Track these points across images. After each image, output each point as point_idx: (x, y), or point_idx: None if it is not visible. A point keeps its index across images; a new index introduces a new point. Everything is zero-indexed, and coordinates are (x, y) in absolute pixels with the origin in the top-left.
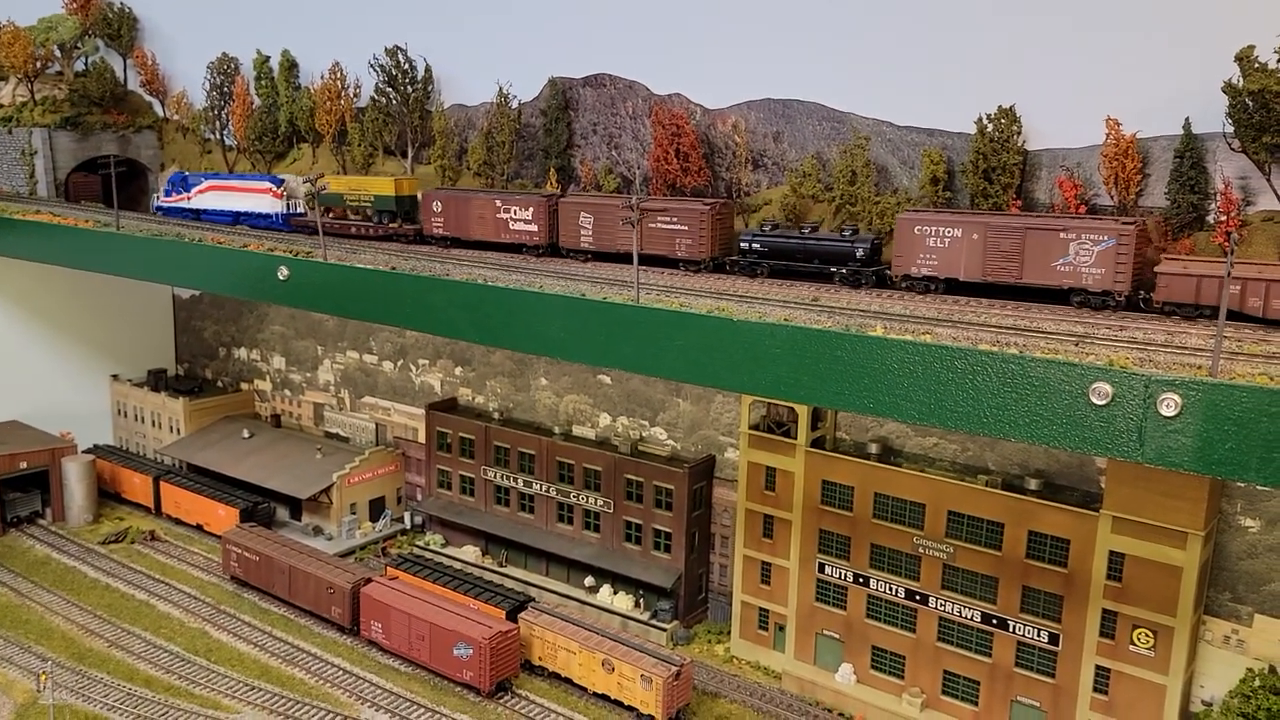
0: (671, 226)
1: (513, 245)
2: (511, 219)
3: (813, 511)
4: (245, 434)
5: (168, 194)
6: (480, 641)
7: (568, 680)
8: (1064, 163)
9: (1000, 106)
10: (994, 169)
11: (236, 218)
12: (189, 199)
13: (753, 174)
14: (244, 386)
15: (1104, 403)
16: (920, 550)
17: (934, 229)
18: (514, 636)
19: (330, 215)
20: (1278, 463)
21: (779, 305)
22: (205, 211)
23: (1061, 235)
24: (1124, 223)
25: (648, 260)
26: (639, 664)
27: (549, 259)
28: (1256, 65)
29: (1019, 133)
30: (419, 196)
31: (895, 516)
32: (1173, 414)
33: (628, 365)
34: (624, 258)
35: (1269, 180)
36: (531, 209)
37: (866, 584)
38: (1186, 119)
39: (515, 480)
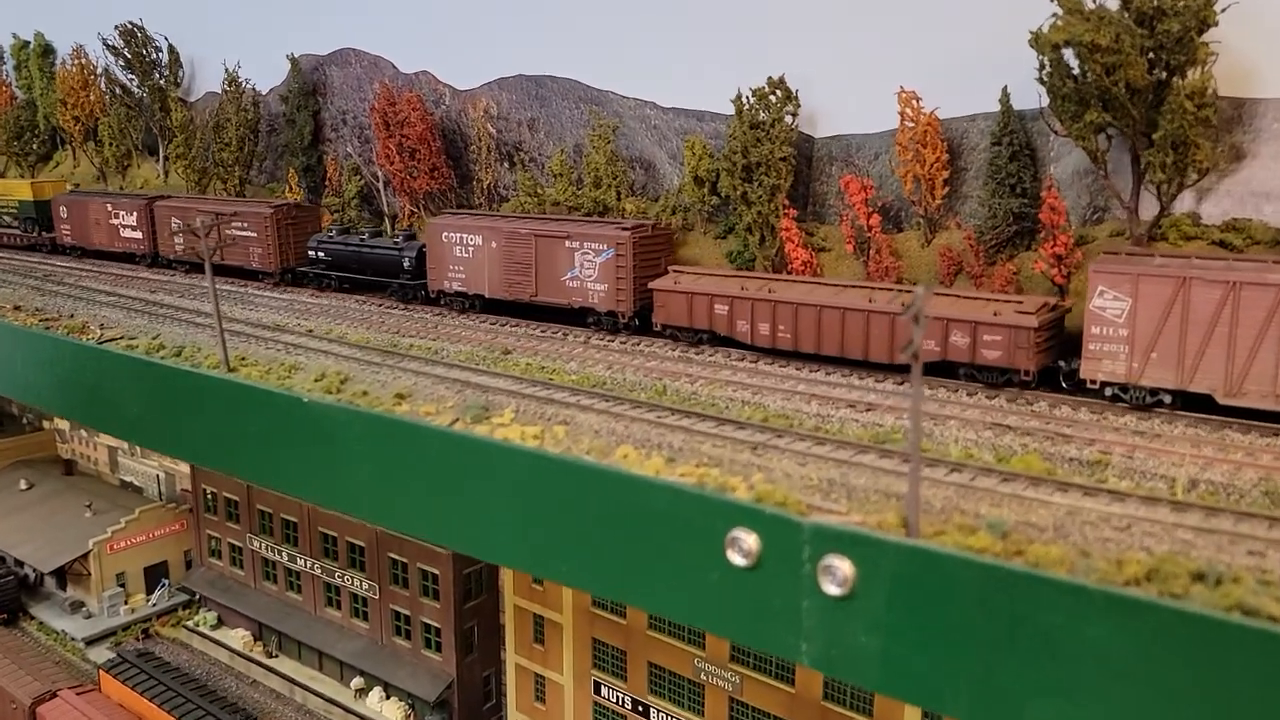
0: (245, 234)
1: (126, 255)
2: (121, 225)
3: (584, 615)
4: (23, 485)
5: None
6: None
7: None
8: (856, 156)
9: (769, 79)
10: (756, 164)
11: None
12: None
13: (508, 171)
14: (45, 425)
15: (747, 564)
16: (703, 677)
17: (459, 236)
18: None
19: None
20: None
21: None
22: None
23: (567, 244)
24: (622, 227)
25: (227, 272)
26: None
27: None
28: (1074, 7)
29: (794, 114)
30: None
31: (673, 630)
32: (840, 593)
33: (197, 458)
34: (217, 269)
35: (1105, 176)
36: (135, 214)
37: (646, 715)
38: (1004, 89)
39: (281, 553)
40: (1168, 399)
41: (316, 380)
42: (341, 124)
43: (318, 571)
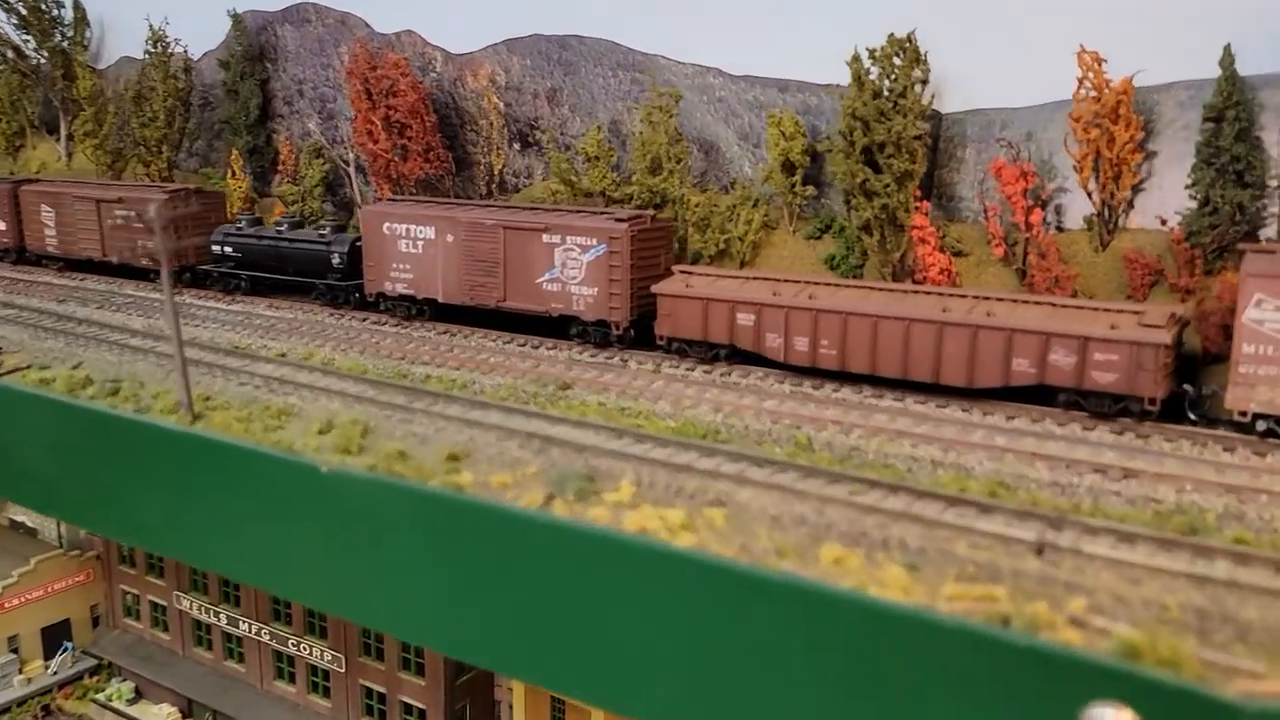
0: (136, 227)
1: None
2: None
3: None
4: None
5: None
6: None
7: None
8: (1003, 134)
9: (891, 37)
10: (881, 144)
11: None
12: None
13: (520, 154)
14: None
15: None
16: None
17: (406, 228)
18: None
19: None
20: None
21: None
22: None
23: (545, 239)
24: (617, 219)
25: (118, 273)
26: None
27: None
28: None
29: (924, 81)
30: None
31: None
32: None
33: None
34: (99, 268)
35: None
36: None
37: None
38: (1227, 50)
39: (218, 614)
40: None
41: (321, 432)
42: (297, 96)
43: (266, 638)
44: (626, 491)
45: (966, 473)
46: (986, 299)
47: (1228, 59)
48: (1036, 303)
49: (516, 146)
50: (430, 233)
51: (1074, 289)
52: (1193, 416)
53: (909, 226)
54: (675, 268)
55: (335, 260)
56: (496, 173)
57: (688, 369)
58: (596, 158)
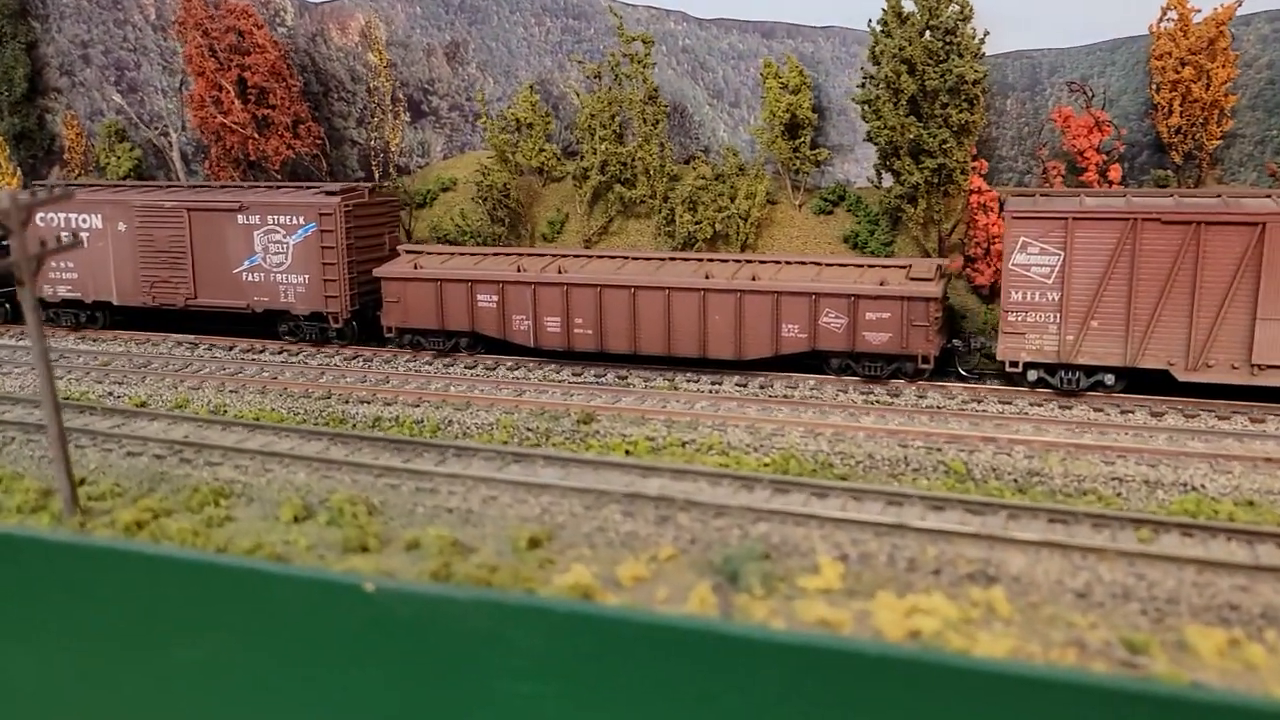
0: None
1: None
2: None
3: None
4: None
5: None
6: None
7: None
8: (1048, 83)
9: None
10: (932, 92)
11: None
12: None
13: (411, 126)
14: None
15: None
16: None
17: (64, 217)
18: None
19: None
20: None
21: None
22: None
23: (241, 220)
24: (326, 192)
25: None
26: None
27: None
28: None
29: (965, 19)
30: None
31: None
32: None
33: None
34: None
35: None
36: None
37: None
38: None
39: None
40: (1110, 379)
41: (298, 519)
42: (81, 63)
43: None
44: (832, 573)
45: (1199, 493)
46: (750, 262)
47: None
48: (802, 263)
49: (405, 117)
50: (97, 221)
51: None
52: (963, 372)
53: (968, 190)
54: (402, 247)
55: None
56: (393, 150)
57: (714, 385)
58: (530, 124)
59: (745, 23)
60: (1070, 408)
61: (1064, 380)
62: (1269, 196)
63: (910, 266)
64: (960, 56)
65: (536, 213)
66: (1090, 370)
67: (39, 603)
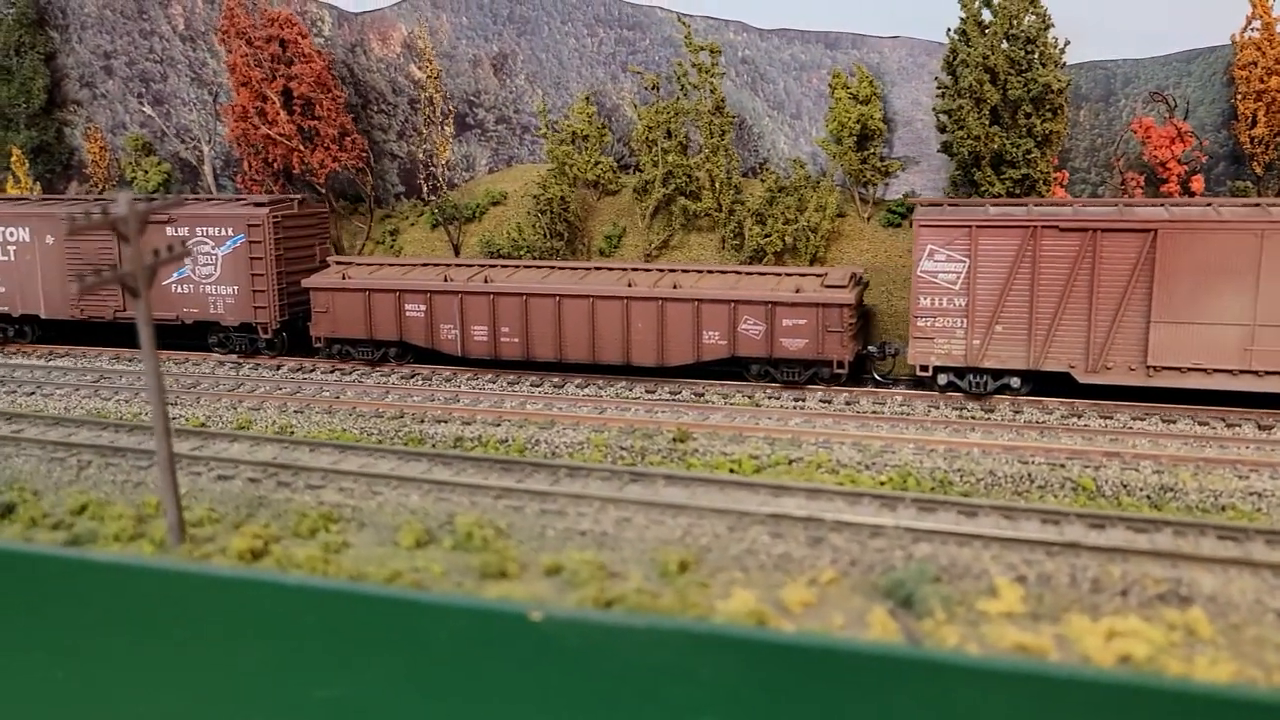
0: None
1: None
2: None
3: None
4: None
5: None
6: None
7: None
8: (1122, 94)
9: None
10: (1015, 101)
11: None
12: None
13: (457, 140)
14: None
15: None
16: None
17: None
18: None
19: None
20: None
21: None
22: None
23: (169, 231)
24: (255, 204)
25: None
26: None
27: None
28: None
29: (1049, 25)
30: None
31: None
32: None
33: None
34: None
35: None
36: None
37: None
38: None
39: None
40: (1016, 382)
41: (420, 544)
42: (104, 75)
43: None
44: (1012, 595)
45: None
46: (673, 271)
47: None
48: (723, 271)
49: (448, 130)
50: (24, 234)
51: None
52: (877, 377)
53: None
54: (331, 259)
55: None
56: (440, 164)
57: (795, 399)
58: (586, 136)
59: (807, 33)
60: (1174, 421)
61: (972, 384)
62: (1162, 205)
63: (826, 275)
64: (1042, 66)
65: (592, 226)
66: (997, 374)
67: (163, 639)
